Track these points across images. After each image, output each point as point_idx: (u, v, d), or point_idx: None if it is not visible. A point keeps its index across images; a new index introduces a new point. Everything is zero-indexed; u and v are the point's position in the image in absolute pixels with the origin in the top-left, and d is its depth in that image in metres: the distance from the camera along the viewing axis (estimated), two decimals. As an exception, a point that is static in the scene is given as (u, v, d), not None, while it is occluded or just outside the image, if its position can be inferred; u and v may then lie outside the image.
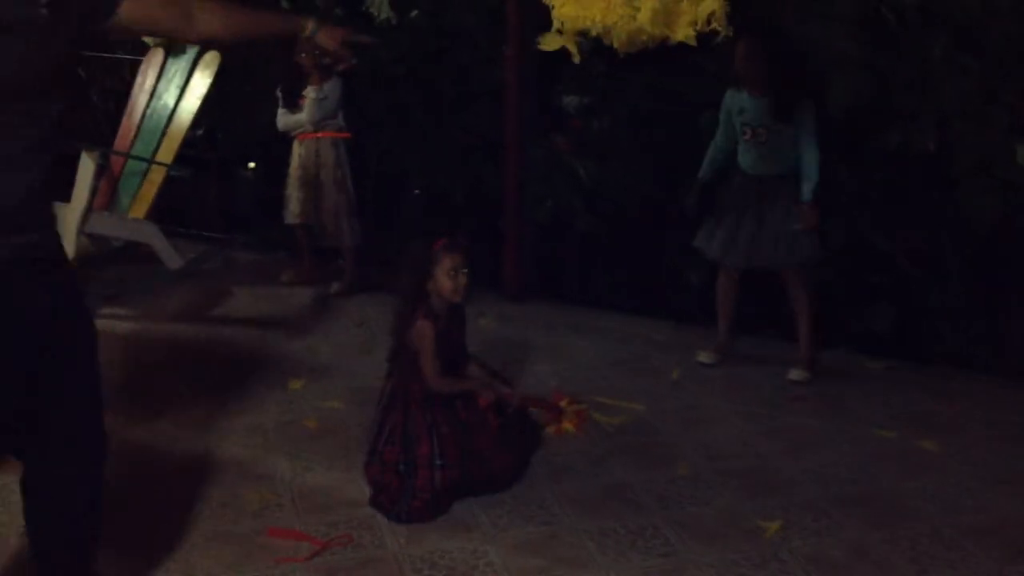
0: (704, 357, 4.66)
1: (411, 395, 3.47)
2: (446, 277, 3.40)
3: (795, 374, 4.49)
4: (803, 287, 4.49)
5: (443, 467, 3.37)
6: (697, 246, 4.63)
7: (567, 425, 3.94)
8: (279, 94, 5.62)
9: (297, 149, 5.62)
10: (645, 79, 5.55)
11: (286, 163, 5.73)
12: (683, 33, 4.04)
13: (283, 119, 5.61)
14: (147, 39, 6.17)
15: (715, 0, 3.98)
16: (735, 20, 4.11)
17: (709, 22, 4.05)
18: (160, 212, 5.99)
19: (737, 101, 4.44)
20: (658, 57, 5.04)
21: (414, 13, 6.18)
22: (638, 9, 4.03)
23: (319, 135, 5.54)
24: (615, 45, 4.24)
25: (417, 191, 6.43)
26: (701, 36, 4.14)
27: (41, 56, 2.11)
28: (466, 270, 3.43)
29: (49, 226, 2.33)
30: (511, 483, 3.55)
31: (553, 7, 4.37)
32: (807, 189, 4.32)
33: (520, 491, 3.51)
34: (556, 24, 4.40)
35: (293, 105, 5.53)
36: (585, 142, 5.74)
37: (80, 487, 2.52)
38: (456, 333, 3.59)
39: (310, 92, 5.47)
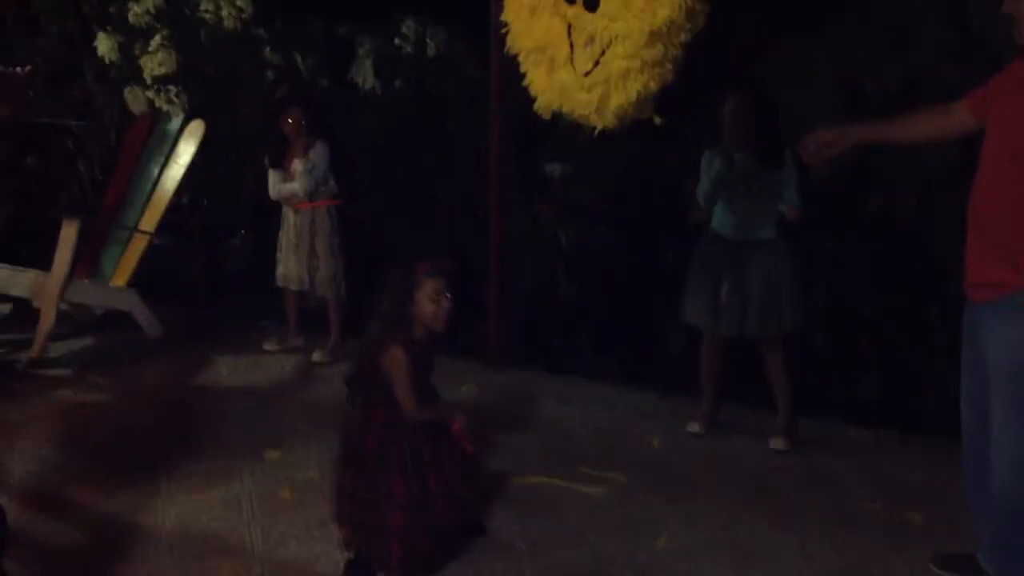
0: (694, 428, 4.61)
1: (375, 423, 3.36)
2: (429, 301, 3.33)
3: (776, 443, 4.44)
4: (781, 355, 4.45)
5: (418, 505, 3.29)
6: (689, 322, 4.57)
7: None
8: (266, 161, 5.62)
9: (292, 217, 5.58)
10: (626, 145, 5.57)
11: (271, 231, 5.72)
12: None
13: (276, 188, 5.57)
14: (133, 107, 6.21)
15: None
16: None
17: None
18: (144, 279, 5.97)
19: (719, 159, 4.38)
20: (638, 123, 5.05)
21: (398, 82, 6.23)
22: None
23: (315, 204, 5.53)
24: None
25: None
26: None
27: None
28: (449, 295, 3.36)
29: None
30: (480, 520, 3.60)
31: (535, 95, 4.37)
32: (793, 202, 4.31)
33: (498, 566, 3.44)
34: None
35: (279, 167, 5.51)
36: (568, 209, 5.75)
37: None
38: (426, 366, 3.47)
39: (297, 164, 5.44)
